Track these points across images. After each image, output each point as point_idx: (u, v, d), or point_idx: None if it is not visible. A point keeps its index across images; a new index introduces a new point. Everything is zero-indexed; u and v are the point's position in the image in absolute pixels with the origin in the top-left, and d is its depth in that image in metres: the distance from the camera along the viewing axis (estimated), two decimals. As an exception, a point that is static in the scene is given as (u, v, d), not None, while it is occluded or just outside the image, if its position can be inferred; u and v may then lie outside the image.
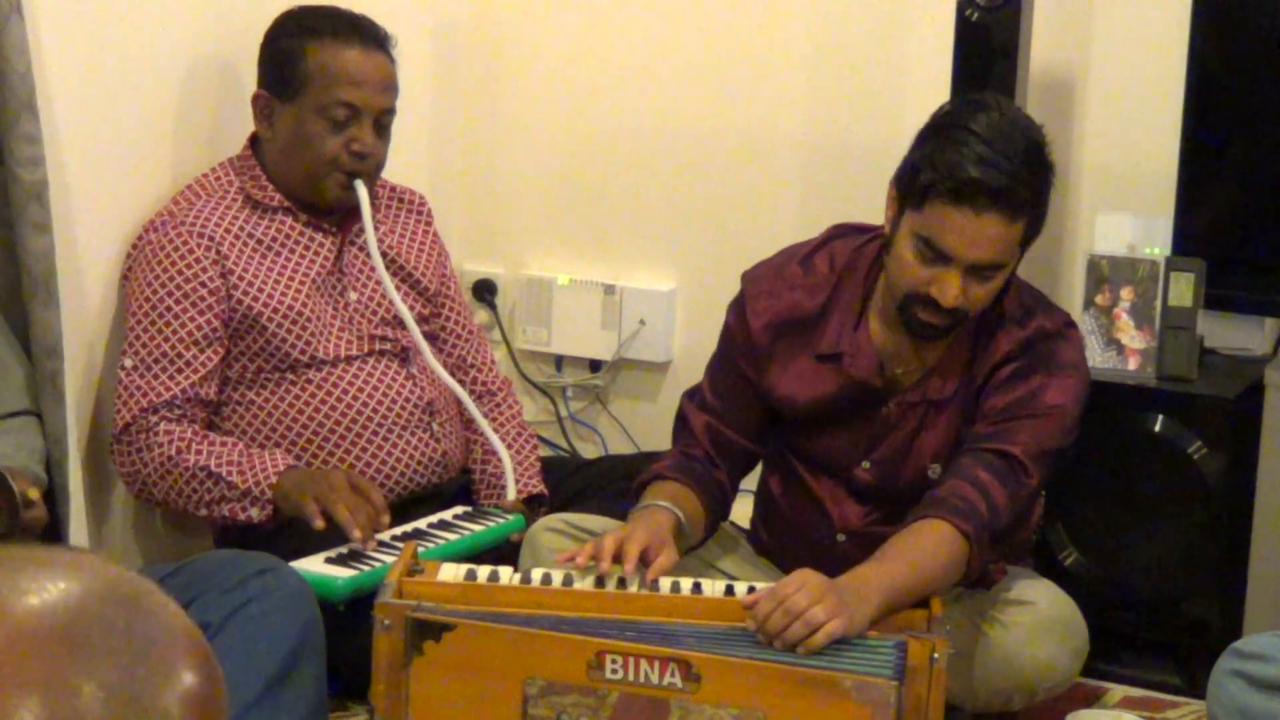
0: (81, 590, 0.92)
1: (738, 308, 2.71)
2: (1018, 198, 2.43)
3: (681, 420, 2.76)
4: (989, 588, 2.70)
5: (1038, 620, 2.60)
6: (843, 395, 2.65)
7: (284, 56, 2.92)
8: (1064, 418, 2.56)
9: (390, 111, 2.95)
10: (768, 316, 2.67)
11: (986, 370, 2.59)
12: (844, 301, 2.65)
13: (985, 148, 2.42)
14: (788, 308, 2.66)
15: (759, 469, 2.87)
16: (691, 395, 2.77)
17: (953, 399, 2.61)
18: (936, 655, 2.23)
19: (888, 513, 2.61)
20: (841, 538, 2.69)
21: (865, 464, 2.66)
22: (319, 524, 2.71)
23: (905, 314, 2.54)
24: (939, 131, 2.48)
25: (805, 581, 2.26)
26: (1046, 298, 2.70)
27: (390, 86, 2.95)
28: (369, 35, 2.94)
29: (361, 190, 2.91)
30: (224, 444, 2.85)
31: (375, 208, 3.06)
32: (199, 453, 2.82)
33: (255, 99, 2.96)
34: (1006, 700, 2.63)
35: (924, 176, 2.45)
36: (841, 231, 2.73)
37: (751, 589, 2.42)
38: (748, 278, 2.72)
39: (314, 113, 2.90)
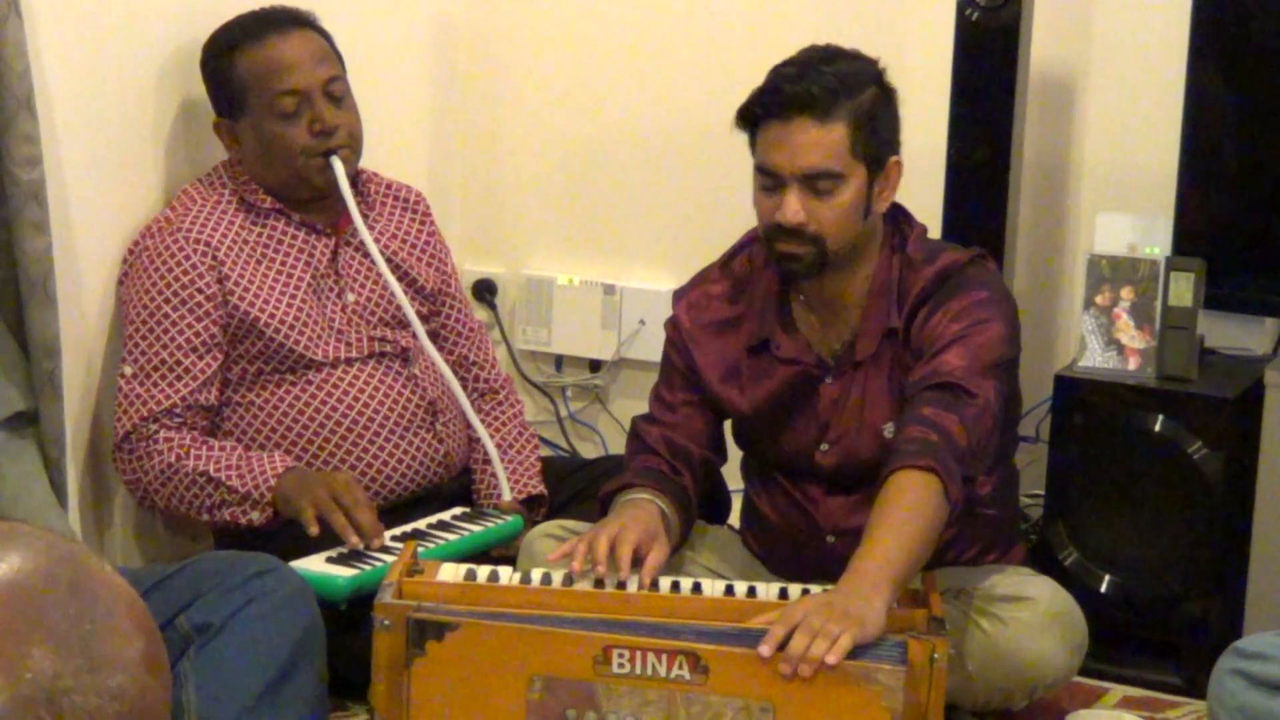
0: (24, 555, 0.92)
1: (672, 323, 2.80)
2: (825, 103, 2.53)
3: (635, 438, 2.80)
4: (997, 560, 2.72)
5: (1037, 616, 2.60)
6: (781, 386, 2.69)
7: (218, 77, 2.94)
8: (991, 333, 2.57)
9: (335, 79, 2.94)
10: (698, 322, 2.76)
11: (907, 312, 2.62)
12: (766, 294, 2.72)
13: (798, 68, 2.56)
14: (714, 311, 2.76)
15: (742, 480, 2.90)
16: (642, 416, 2.82)
17: (881, 352, 2.64)
18: (936, 655, 2.23)
19: (870, 499, 2.60)
20: (831, 539, 2.70)
21: (823, 447, 2.68)
22: (314, 531, 2.71)
23: (772, 256, 2.63)
24: (770, 72, 2.62)
25: (809, 605, 2.25)
26: (953, 245, 2.75)
27: (323, 57, 2.94)
28: (282, 20, 2.95)
29: (338, 166, 2.91)
30: (223, 448, 2.85)
31: (369, 205, 3.06)
32: (198, 458, 2.82)
33: (216, 128, 2.97)
34: (1006, 697, 2.63)
35: (744, 109, 2.60)
36: (756, 234, 2.78)
37: (751, 590, 2.43)
38: (676, 294, 2.83)
39: (265, 115, 2.90)
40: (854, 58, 2.61)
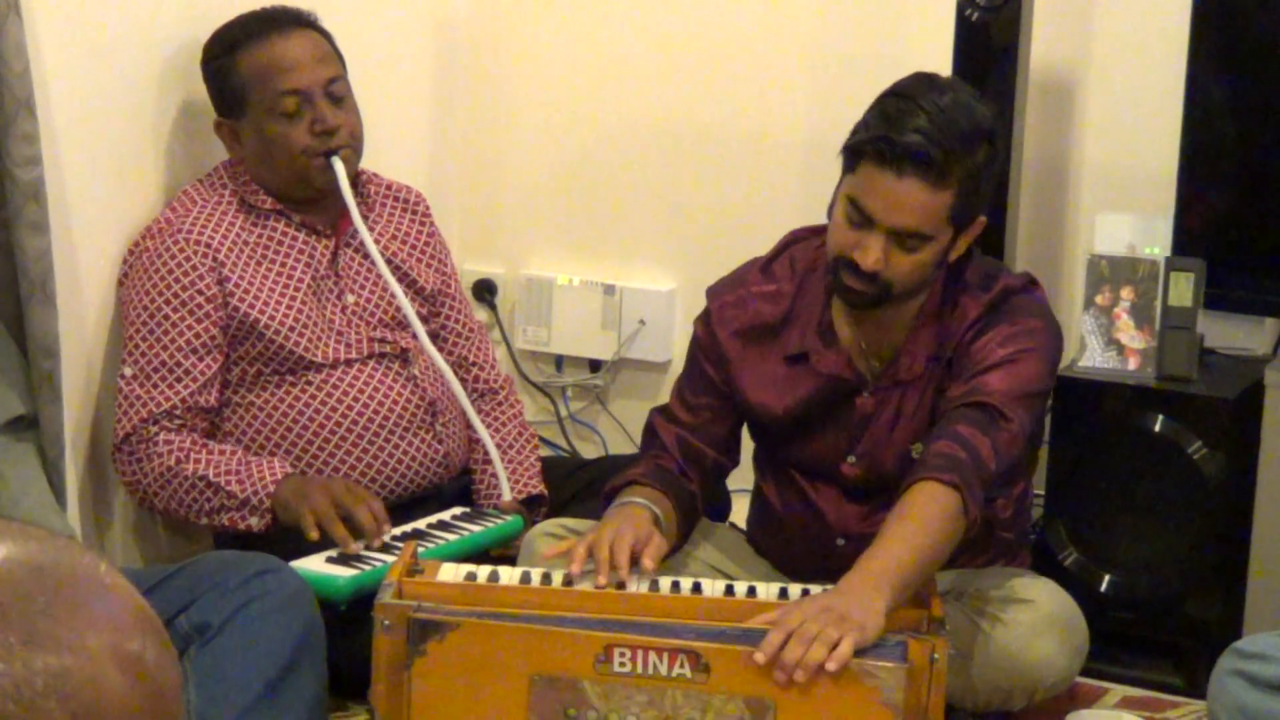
0: (10, 553, 0.90)
1: (704, 321, 2.75)
2: (943, 167, 2.45)
3: (651, 433, 2.77)
4: (1008, 558, 2.71)
5: (1038, 618, 2.60)
6: (817, 395, 2.67)
7: (220, 78, 2.94)
8: (1034, 360, 2.57)
9: (336, 79, 2.93)
10: (734, 325, 2.70)
11: (956, 339, 2.61)
12: (807, 302, 2.68)
13: (922, 117, 2.46)
14: (752, 316, 2.70)
15: (752, 475, 2.88)
16: (661, 410, 2.80)
17: (924, 375, 2.63)
18: (936, 655, 2.23)
19: (886, 509, 2.61)
20: (841, 542, 2.69)
21: (850, 459, 2.67)
22: (313, 536, 2.71)
23: (834, 279, 2.58)
24: (885, 99, 2.53)
25: (807, 608, 2.25)
26: (1008, 267, 2.72)
27: (324, 57, 2.94)
28: (284, 20, 2.94)
29: (339, 167, 2.90)
30: (223, 453, 2.85)
31: (369, 206, 3.06)
32: (198, 462, 2.82)
33: (217, 128, 2.97)
34: (1006, 698, 2.63)
35: (857, 138, 2.50)
36: (799, 235, 2.76)
37: (751, 590, 2.43)
38: (711, 291, 2.77)
39: (266, 115, 2.90)
40: (982, 123, 2.52)
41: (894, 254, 2.50)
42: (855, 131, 2.52)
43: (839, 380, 2.65)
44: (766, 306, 2.69)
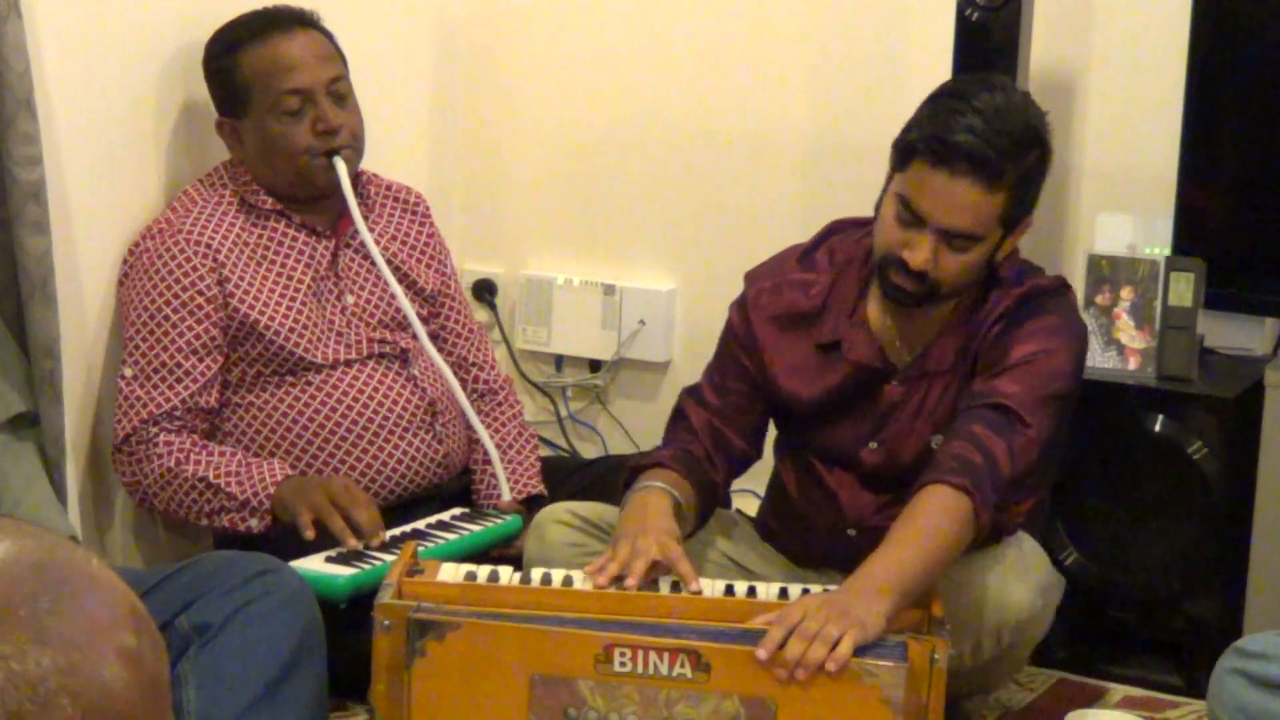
0: (10, 552, 0.91)
1: (740, 305, 2.74)
2: (997, 169, 2.46)
3: (680, 416, 2.76)
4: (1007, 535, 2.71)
5: (1003, 562, 2.60)
6: (846, 382, 2.66)
7: (222, 76, 2.94)
8: (1056, 363, 2.56)
9: (339, 79, 2.94)
10: (769, 311, 2.70)
11: (982, 332, 2.61)
12: (842, 292, 2.68)
13: (976, 117, 2.46)
14: (788, 304, 2.69)
15: (770, 460, 2.88)
16: (691, 392, 2.78)
17: (952, 368, 2.63)
18: (936, 655, 2.23)
19: (900, 501, 2.59)
20: (852, 533, 2.69)
21: (872, 444, 2.67)
22: (310, 534, 2.71)
23: (881, 276, 2.58)
24: (939, 98, 2.53)
25: (809, 605, 2.25)
26: (1042, 269, 2.73)
27: (327, 56, 2.95)
28: (287, 20, 2.94)
29: (341, 167, 2.91)
30: (223, 454, 2.85)
31: (369, 206, 3.06)
32: (198, 464, 2.82)
33: (218, 127, 2.97)
34: (976, 648, 2.57)
35: (910, 136, 2.50)
36: (839, 226, 2.76)
37: (751, 589, 2.42)
38: (750, 276, 2.76)
39: (269, 114, 2.90)
40: (1036, 126, 2.53)
41: (943, 254, 2.50)
42: (907, 129, 2.52)
43: (869, 368, 2.65)
44: (802, 296, 2.69)
